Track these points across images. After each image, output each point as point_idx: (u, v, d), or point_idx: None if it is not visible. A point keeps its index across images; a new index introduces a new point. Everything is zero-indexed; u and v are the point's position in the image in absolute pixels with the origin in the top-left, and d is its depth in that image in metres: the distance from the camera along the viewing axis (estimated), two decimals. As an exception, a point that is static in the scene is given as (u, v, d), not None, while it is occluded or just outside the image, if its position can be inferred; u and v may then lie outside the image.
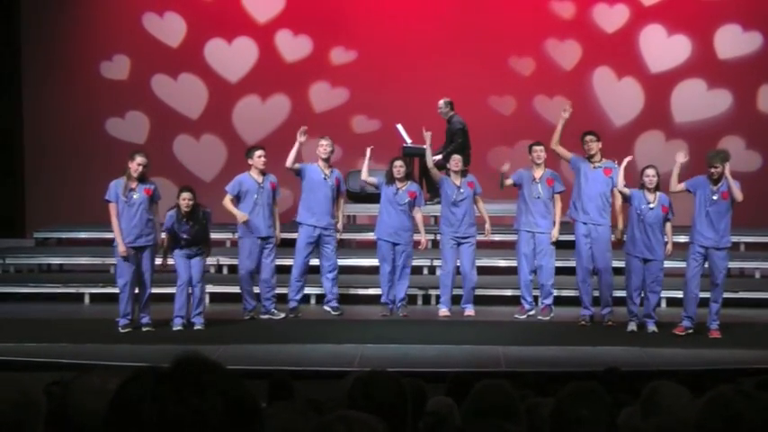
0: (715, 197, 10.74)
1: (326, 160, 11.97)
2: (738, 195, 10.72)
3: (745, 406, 2.91)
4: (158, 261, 11.09)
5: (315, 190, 11.87)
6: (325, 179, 11.90)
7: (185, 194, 10.96)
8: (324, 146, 11.96)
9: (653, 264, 10.97)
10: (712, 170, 10.72)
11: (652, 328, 11.01)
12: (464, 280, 11.95)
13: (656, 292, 11.11)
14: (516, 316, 11.86)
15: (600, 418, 3.45)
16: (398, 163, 12.00)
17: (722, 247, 10.81)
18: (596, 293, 11.64)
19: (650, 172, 10.96)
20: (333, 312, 11.96)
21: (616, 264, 11.63)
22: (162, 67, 16.33)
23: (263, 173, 11.72)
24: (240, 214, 11.54)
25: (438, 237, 12.38)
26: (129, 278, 10.94)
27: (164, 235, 11.05)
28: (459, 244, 11.89)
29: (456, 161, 12.01)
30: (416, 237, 11.96)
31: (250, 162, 11.73)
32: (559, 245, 11.94)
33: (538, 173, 11.79)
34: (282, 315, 11.79)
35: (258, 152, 11.73)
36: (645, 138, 16.14)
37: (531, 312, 11.85)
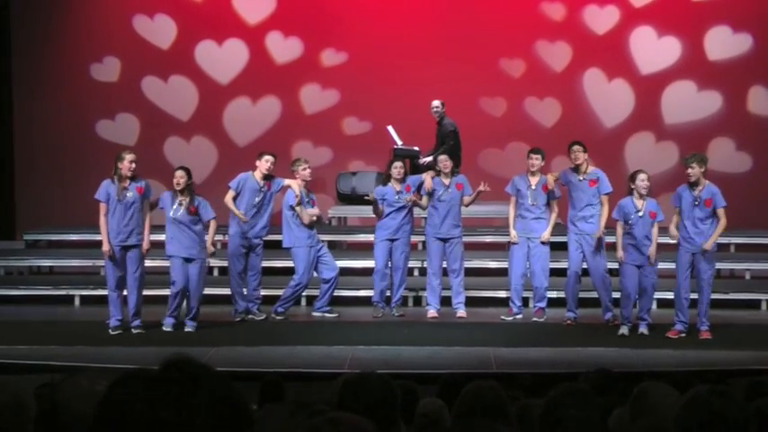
0: (696, 203, 10.77)
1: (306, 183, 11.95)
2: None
3: (722, 406, 2.93)
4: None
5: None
6: (308, 202, 11.94)
7: (178, 172, 11.09)
8: (306, 169, 11.89)
9: (645, 268, 10.98)
10: (689, 170, 10.78)
11: (643, 330, 11.01)
12: (452, 279, 11.96)
13: (650, 296, 11.11)
14: (503, 317, 11.88)
15: (589, 419, 3.45)
16: (398, 164, 12.10)
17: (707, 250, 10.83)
18: (594, 295, 11.69)
19: (643, 176, 10.96)
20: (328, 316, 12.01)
21: (611, 265, 11.63)
22: (152, 69, 16.30)
23: (266, 177, 11.75)
24: (241, 215, 11.57)
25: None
26: (118, 280, 10.93)
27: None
28: (444, 242, 11.91)
29: (443, 162, 12.06)
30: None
31: (257, 164, 11.79)
32: (552, 246, 11.96)
33: (533, 180, 11.82)
34: (263, 316, 11.80)
35: (267, 157, 11.79)
36: (635, 139, 16.15)
37: (519, 316, 11.87)
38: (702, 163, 10.81)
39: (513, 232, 11.84)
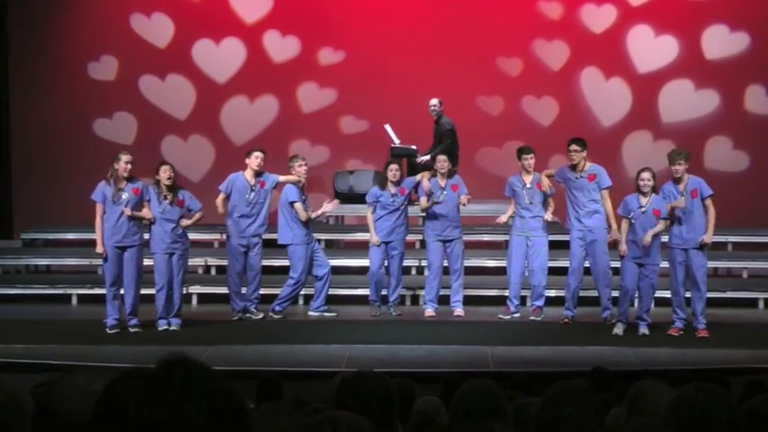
0: (683, 196, 10.81)
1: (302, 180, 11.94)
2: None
3: (710, 404, 2.93)
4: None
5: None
6: (304, 201, 11.95)
7: (167, 167, 11.06)
8: (303, 165, 11.86)
9: (646, 267, 10.95)
10: (677, 167, 10.81)
11: (644, 330, 10.95)
12: (452, 279, 11.95)
13: (649, 297, 11.07)
14: (500, 316, 11.88)
15: (586, 418, 3.45)
16: (394, 167, 12.04)
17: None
18: (592, 293, 11.68)
19: (645, 176, 10.92)
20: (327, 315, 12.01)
21: (614, 264, 11.61)
22: (150, 68, 16.30)
23: (257, 174, 11.73)
24: (221, 211, 11.57)
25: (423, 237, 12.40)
26: (114, 278, 10.93)
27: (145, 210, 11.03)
28: (444, 243, 11.90)
29: (441, 162, 12.04)
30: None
31: (247, 161, 11.77)
32: (550, 245, 11.96)
33: (528, 178, 11.80)
34: (261, 315, 11.80)
35: (257, 153, 11.76)
36: (632, 138, 16.16)
37: (517, 315, 11.86)
38: (688, 160, 10.96)
39: (504, 217, 11.90)
